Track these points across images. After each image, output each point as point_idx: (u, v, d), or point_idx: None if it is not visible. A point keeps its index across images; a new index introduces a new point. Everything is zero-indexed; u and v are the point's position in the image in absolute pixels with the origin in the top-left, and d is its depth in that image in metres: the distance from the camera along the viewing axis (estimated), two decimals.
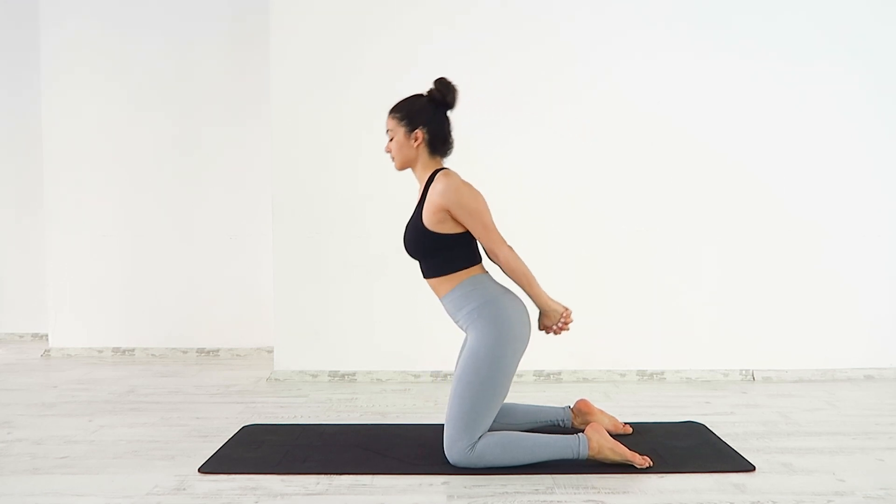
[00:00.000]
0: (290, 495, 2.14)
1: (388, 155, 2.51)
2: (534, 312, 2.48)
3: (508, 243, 2.41)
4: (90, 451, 2.61)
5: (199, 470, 2.36)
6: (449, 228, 2.38)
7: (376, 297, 3.93)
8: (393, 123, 2.46)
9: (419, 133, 2.41)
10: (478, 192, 2.38)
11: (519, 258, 2.40)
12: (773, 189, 3.90)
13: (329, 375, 3.95)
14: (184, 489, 2.20)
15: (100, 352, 4.93)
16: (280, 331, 3.98)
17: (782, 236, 3.90)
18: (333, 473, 2.32)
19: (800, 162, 3.91)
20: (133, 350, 4.91)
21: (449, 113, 2.47)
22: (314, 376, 3.95)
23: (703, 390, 3.65)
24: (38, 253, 5.48)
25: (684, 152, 3.91)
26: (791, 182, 3.91)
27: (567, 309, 2.48)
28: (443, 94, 2.42)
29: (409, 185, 3.94)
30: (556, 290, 3.72)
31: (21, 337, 5.73)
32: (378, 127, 4.01)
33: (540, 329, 2.52)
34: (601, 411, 2.77)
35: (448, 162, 2.53)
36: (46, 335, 5.49)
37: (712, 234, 3.91)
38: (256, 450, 2.57)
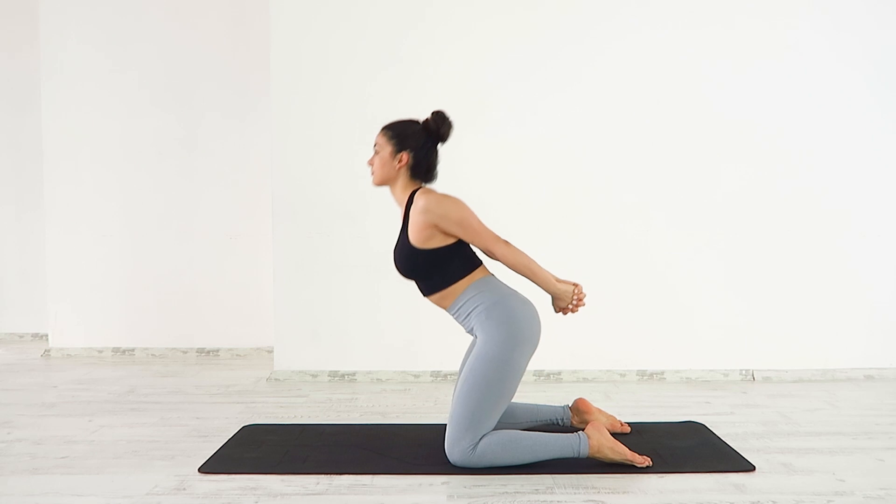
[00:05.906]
0: (290, 495, 2.15)
1: (369, 168, 2.51)
2: (545, 298, 2.48)
3: (504, 238, 2.41)
4: (90, 451, 2.61)
5: (199, 470, 2.37)
6: (439, 242, 2.38)
7: (376, 297, 3.93)
8: (382, 140, 2.47)
9: (404, 155, 2.43)
10: (458, 200, 2.38)
11: (517, 251, 2.40)
12: (773, 189, 3.90)
13: (329, 375, 3.95)
14: (184, 489, 2.20)
15: (100, 352, 4.93)
16: (280, 331, 3.98)
17: (783, 236, 3.90)
18: (333, 473, 2.33)
19: (800, 162, 3.91)
20: (133, 350, 4.91)
21: (440, 146, 2.48)
22: (314, 376, 3.95)
23: (703, 390, 3.65)
24: (38, 252, 5.47)
25: (684, 152, 3.91)
26: (791, 182, 3.90)
27: (577, 285, 2.47)
28: (437, 125, 2.44)
29: None
30: None
31: (21, 337, 5.72)
32: (379, 128, 4.05)
33: (556, 312, 2.51)
34: (599, 410, 2.77)
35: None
36: (46, 335, 5.48)
37: (713, 234, 3.91)
38: (256, 450, 2.58)
